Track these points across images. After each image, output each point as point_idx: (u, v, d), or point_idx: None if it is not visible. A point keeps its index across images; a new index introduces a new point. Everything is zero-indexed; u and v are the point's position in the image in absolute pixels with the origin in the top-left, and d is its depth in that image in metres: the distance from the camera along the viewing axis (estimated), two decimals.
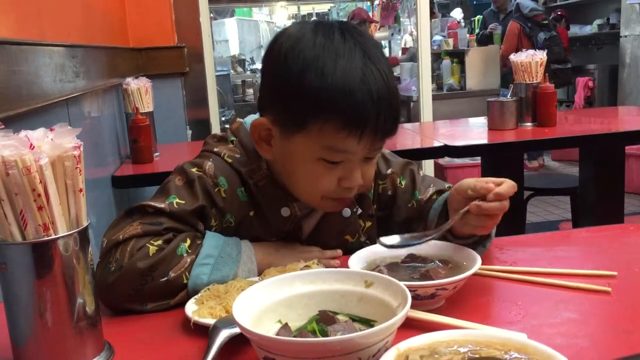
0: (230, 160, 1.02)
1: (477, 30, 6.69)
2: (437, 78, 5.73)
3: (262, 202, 1.02)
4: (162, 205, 0.94)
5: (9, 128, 0.67)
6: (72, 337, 0.69)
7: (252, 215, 1.02)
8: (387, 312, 0.67)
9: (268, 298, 0.72)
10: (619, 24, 6.34)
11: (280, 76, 0.92)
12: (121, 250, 0.89)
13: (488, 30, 6.14)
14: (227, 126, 2.92)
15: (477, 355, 0.57)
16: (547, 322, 0.77)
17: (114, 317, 0.88)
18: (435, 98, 4.03)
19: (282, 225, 1.03)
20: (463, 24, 6.77)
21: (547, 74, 2.49)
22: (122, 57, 2.63)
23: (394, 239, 0.90)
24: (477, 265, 0.83)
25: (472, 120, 2.99)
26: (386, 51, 6.75)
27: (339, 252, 1.04)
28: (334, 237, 1.06)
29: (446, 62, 5.74)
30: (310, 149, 0.91)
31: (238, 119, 1.09)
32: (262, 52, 1.02)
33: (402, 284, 0.70)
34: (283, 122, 0.93)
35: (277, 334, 0.66)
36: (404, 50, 6.20)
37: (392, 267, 0.89)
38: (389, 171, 1.12)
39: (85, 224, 0.70)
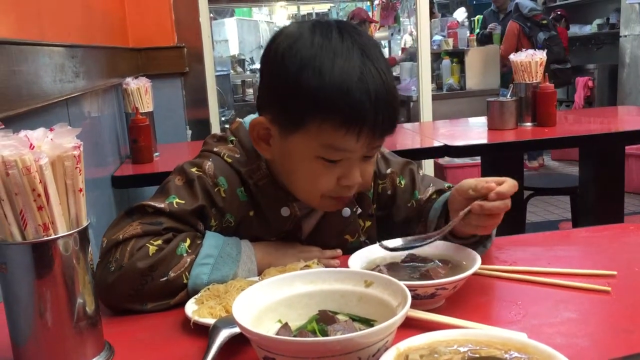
0: (230, 160, 1.02)
1: (477, 30, 6.69)
2: (436, 78, 5.72)
3: (262, 202, 1.02)
4: (162, 205, 0.94)
5: (9, 128, 0.67)
6: (72, 337, 0.69)
7: (251, 215, 1.02)
8: (387, 312, 0.67)
9: (268, 298, 0.72)
10: (618, 24, 6.34)
11: (278, 75, 0.92)
12: (121, 250, 0.89)
13: (487, 30, 6.14)
14: (226, 126, 2.93)
15: (477, 355, 0.57)
16: (547, 322, 0.77)
17: (114, 317, 0.88)
18: (435, 98, 4.03)
19: (282, 225, 1.03)
20: (467, 23, 6.75)
21: (546, 74, 2.49)
22: (122, 57, 2.63)
23: (396, 241, 0.90)
24: (477, 265, 0.83)
25: (472, 120, 2.99)
26: (386, 51, 6.75)
27: (339, 251, 1.04)
28: (333, 237, 1.06)
29: (446, 62, 5.74)
30: (308, 148, 0.91)
31: (238, 119, 1.09)
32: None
33: (401, 283, 0.70)
34: (281, 121, 0.93)
35: (277, 334, 0.66)
36: (404, 50, 6.20)
37: (392, 267, 0.89)
38: (389, 171, 1.12)
39: (85, 224, 0.70)
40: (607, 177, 2.73)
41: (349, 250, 0.97)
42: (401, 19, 6.54)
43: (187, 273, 0.90)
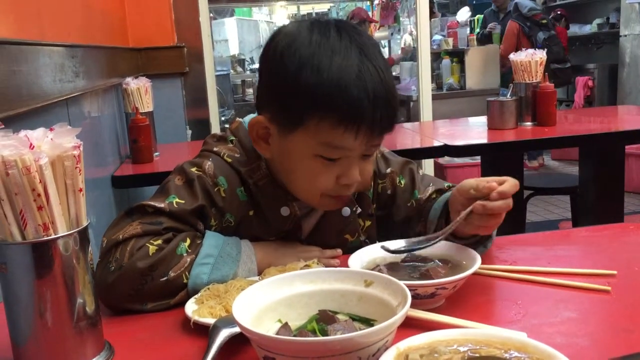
0: (229, 160, 1.02)
1: (477, 30, 6.68)
2: (436, 77, 5.72)
3: (262, 202, 1.02)
4: (162, 205, 0.94)
5: (9, 128, 0.67)
6: (72, 337, 0.69)
7: (251, 214, 1.02)
8: (387, 312, 0.67)
9: (268, 297, 0.72)
10: (618, 24, 6.34)
11: (277, 74, 0.92)
12: (121, 250, 0.89)
13: (487, 29, 6.14)
14: (226, 126, 2.92)
15: (477, 355, 0.57)
16: (547, 321, 0.77)
17: (114, 317, 0.88)
18: (435, 97, 4.03)
19: (281, 224, 1.03)
20: (469, 23, 6.73)
21: (546, 74, 2.49)
22: (122, 57, 2.63)
23: (398, 243, 0.90)
24: (477, 265, 0.83)
25: (472, 120, 2.99)
26: (386, 51, 6.74)
27: (339, 251, 1.04)
28: (333, 237, 1.06)
29: (446, 61, 5.74)
30: (307, 146, 0.91)
31: (237, 119, 1.09)
32: None
33: (401, 283, 0.70)
34: (280, 119, 0.93)
35: (277, 334, 0.66)
36: (404, 50, 6.20)
37: (392, 267, 0.89)
38: (389, 170, 1.12)
39: (85, 223, 0.70)
40: (607, 176, 2.73)
41: (349, 249, 0.97)
42: (401, 19, 6.53)
43: (187, 273, 0.90)
